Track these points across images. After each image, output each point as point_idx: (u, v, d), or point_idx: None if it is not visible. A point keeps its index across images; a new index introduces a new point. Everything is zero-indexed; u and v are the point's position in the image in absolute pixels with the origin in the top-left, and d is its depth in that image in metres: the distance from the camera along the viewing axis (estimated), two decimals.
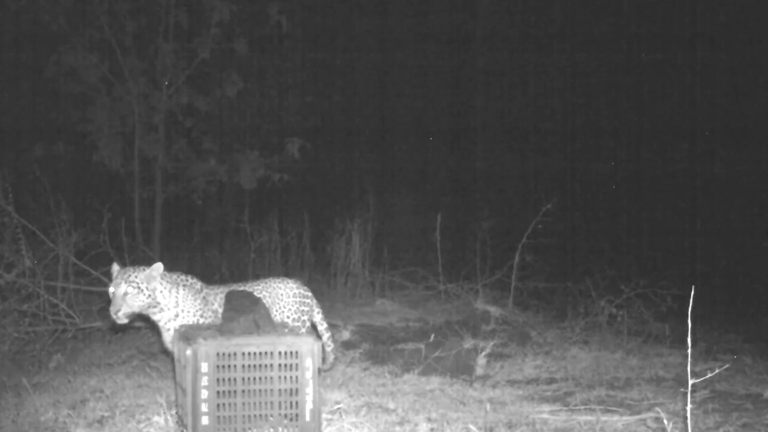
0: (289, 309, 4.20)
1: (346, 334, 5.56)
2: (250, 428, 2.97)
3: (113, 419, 3.51)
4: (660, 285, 6.44)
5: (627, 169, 13.24)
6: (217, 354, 2.94)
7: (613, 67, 13.24)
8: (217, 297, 3.96)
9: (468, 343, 5.01)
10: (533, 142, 13.71)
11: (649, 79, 13.05)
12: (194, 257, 9.29)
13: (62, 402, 3.82)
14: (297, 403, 3.00)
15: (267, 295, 4.13)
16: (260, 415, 2.98)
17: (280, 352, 2.99)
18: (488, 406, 3.77)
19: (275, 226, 7.93)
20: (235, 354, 2.96)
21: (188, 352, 2.96)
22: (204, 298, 3.91)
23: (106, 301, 5.93)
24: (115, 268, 3.81)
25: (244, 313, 3.22)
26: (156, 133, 9.98)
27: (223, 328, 3.17)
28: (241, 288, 4.00)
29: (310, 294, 4.37)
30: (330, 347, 4.48)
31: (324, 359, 4.37)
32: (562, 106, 13.67)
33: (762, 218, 11.19)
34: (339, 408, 3.66)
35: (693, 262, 10.78)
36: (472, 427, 3.37)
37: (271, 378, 2.99)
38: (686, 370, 2.68)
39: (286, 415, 2.99)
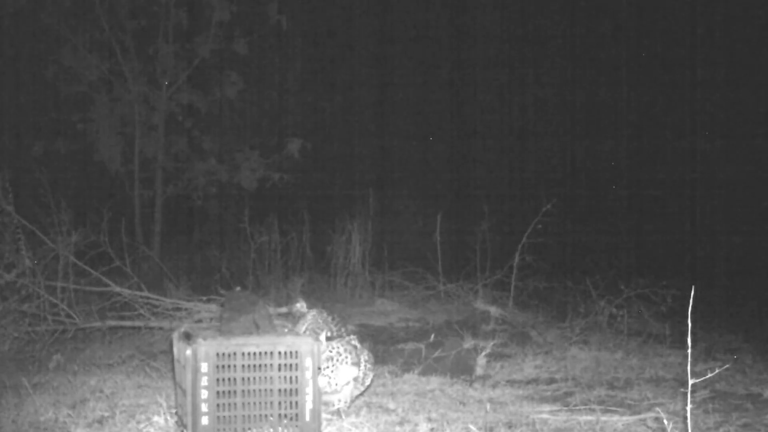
0: None
1: None
2: (249, 428, 2.97)
3: (113, 419, 3.50)
4: (660, 285, 6.43)
5: (627, 169, 13.25)
6: (217, 354, 2.94)
7: (612, 67, 13.25)
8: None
9: (468, 343, 5.00)
10: (533, 143, 13.72)
11: (649, 79, 13.05)
12: (194, 257, 9.29)
13: (62, 402, 3.82)
14: (297, 403, 2.99)
15: None
16: (260, 415, 2.97)
17: (279, 352, 2.99)
18: (488, 406, 3.76)
19: (275, 226, 7.92)
20: (235, 354, 2.96)
21: (188, 352, 2.95)
22: None
23: (111, 300, 5.98)
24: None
25: (244, 313, 3.21)
26: (156, 133, 9.99)
27: (223, 328, 3.16)
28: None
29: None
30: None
31: None
32: (563, 106, 13.68)
33: (762, 218, 11.18)
34: (339, 408, 3.65)
35: (693, 262, 10.78)
36: (472, 427, 3.37)
37: (271, 378, 2.98)
38: (686, 370, 2.67)
39: (286, 415, 2.99)
